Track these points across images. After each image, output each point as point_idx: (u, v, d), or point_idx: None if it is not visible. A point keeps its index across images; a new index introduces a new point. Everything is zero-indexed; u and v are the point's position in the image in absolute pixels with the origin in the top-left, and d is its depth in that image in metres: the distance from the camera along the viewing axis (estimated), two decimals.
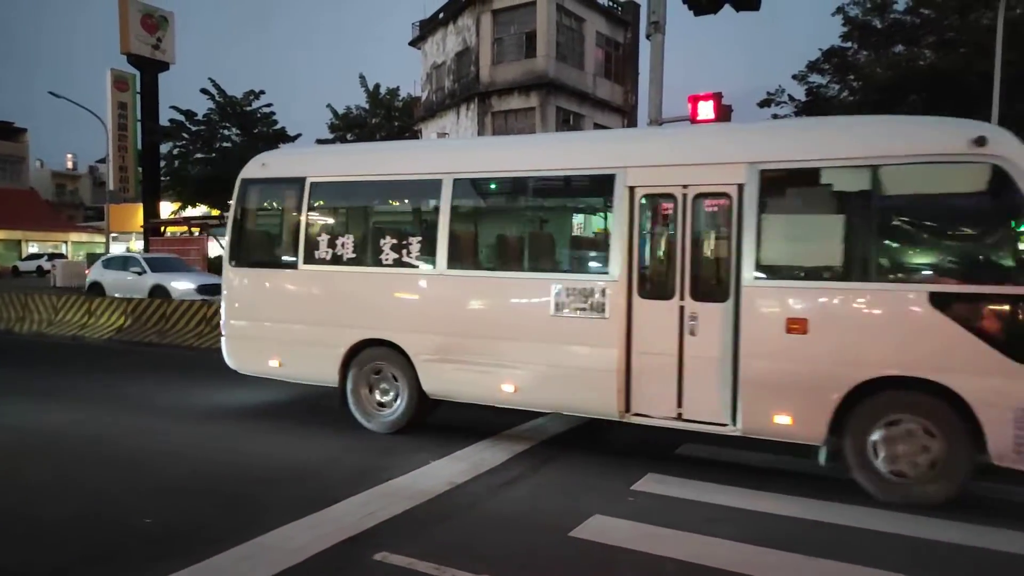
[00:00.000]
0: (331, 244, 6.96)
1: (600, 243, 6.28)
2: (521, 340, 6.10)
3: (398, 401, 6.78)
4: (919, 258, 5.30)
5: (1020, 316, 4.72)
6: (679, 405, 5.64)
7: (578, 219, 7.32)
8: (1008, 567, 4.16)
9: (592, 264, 6.24)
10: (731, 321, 5.42)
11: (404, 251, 6.65)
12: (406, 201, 7.57)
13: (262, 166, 7.61)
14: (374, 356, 6.84)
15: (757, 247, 5.33)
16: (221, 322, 7.64)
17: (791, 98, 25.80)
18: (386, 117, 41.23)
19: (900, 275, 5.18)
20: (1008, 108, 16.16)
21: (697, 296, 5.58)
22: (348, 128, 41.41)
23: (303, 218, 7.13)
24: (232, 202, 7.60)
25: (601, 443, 6.83)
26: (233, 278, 7.57)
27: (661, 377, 5.67)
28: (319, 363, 7.00)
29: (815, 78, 25.52)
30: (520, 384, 6.10)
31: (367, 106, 41.42)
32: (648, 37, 10.60)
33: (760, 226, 5.34)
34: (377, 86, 41.20)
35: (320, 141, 41.84)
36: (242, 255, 7.61)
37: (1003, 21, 15.40)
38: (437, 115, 30.71)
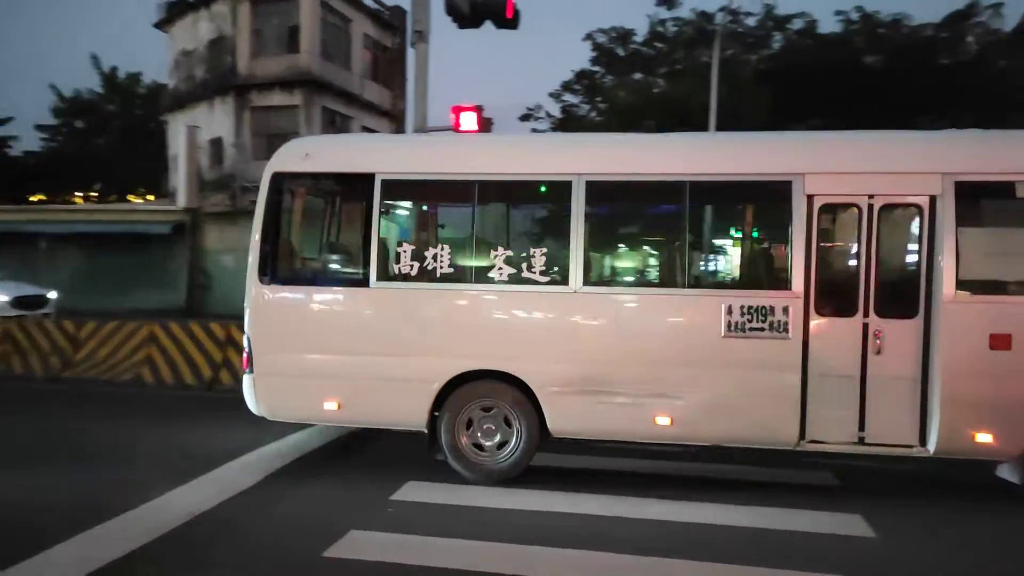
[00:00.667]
0: (417, 257, 5.82)
1: (775, 256, 5.79)
2: (684, 366, 5.50)
3: (512, 443, 5.77)
4: None
5: None
6: (861, 429, 5.39)
7: (746, 230, 6.52)
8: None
9: (767, 279, 5.78)
10: (921, 338, 5.30)
11: (524, 265, 5.71)
12: (524, 206, 6.60)
13: (305, 157, 6.15)
14: (479, 391, 5.79)
15: (956, 261, 5.19)
16: (245, 355, 6.02)
17: (548, 114, 27.62)
18: (124, 104, 36.86)
19: None
20: None
21: (883, 312, 5.35)
22: (76, 114, 36.43)
23: (374, 224, 5.86)
24: (260, 201, 6.03)
25: (359, 456, 6.66)
26: (267, 298, 5.98)
27: (841, 400, 5.39)
28: (401, 402, 5.79)
29: (568, 97, 27.57)
30: (678, 416, 5.48)
31: (101, 91, 36.74)
32: (412, 46, 10.59)
33: (958, 239, 5.21)
34: (114, 69, 36.68)
35: (39, 127, 36.48)
36: (279, 269, 6.09)
37: (718, 59, 17.92)
38: (187, 106, 28.06)
